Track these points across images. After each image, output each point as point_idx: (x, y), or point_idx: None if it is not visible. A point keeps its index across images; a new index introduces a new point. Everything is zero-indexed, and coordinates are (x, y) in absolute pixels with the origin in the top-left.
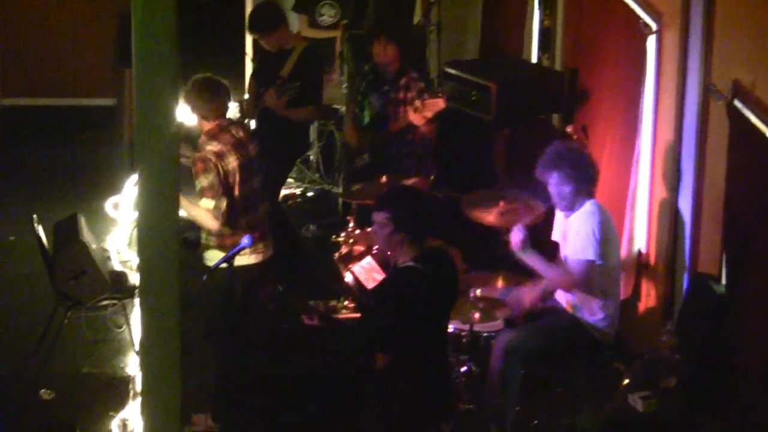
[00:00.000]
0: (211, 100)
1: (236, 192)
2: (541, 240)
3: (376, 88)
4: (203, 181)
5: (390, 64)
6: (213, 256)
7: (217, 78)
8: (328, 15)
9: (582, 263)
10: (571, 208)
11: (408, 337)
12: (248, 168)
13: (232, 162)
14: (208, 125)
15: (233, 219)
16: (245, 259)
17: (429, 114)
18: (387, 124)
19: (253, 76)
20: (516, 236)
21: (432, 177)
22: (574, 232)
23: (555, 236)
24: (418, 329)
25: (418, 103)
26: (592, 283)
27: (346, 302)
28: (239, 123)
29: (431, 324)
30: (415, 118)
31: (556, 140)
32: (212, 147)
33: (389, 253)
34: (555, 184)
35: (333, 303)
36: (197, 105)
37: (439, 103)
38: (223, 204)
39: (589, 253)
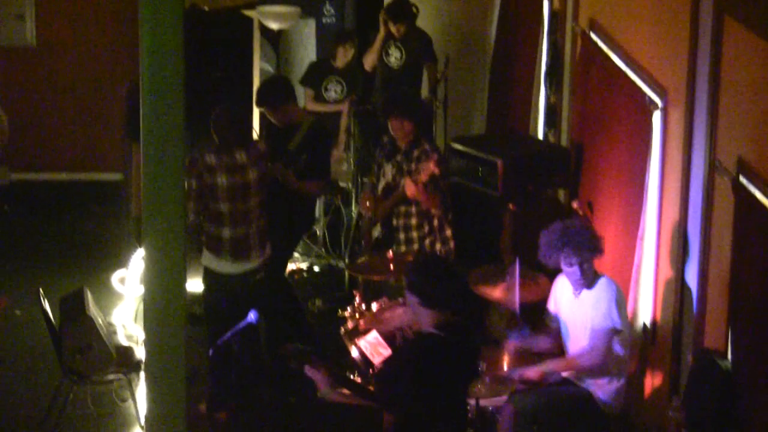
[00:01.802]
0: (216, 126)
1: (223, 207)
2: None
3: (390, 158)
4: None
5: (405, 137)
6: (205, 255)
7: (233, 110)
8: (333, 91)
9: (603, 331)
10: (586, 285)
11: (420, 403)
12: (241, 189)
13: (219, 179)
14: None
15: (218, 229)
16: (229, 267)
17: (424, 178)
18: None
19: None
20: (532, 374)
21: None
22: (590, 303)
23: (551, 306)
24: (430, 396)
25: (414, 174)
26: (610, 352)
27: (352, 377)
28: (248, 146)
29: (444, 393)
30: (409, 189)
31: (557, 221)
32: (209, 159)
33: (414, 320)
34: (563, 263)
35: None
36: (213, 126)
37: (430, 166)
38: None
39: (611, 321)
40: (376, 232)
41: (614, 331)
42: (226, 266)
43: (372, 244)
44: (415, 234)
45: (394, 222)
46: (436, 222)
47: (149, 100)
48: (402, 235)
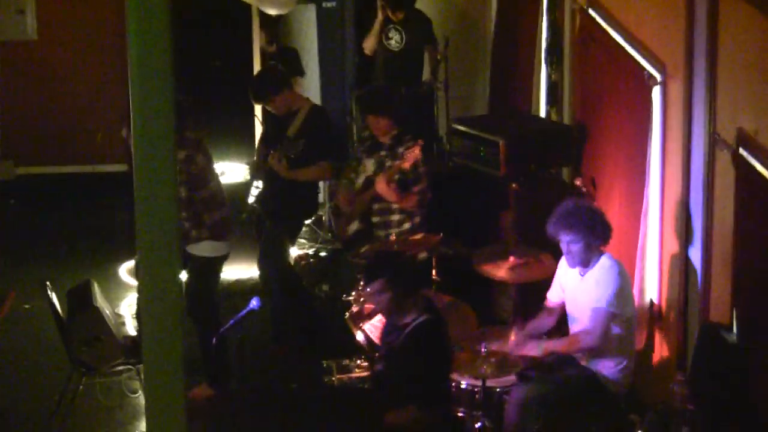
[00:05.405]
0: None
1: (202, 193)
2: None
3: (372, 153)
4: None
5: (385, 134)
6: (197, 246)
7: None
8: None
9: (601, 313)
10: (584, 265)
11: (438, 385)
12: (209, 169)
13: (200, 162)
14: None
15: (198, 215)
16: (202, 250)
17: (406, 165)
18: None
19: (261, 138)
20: (534, 352)
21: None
22: (593, 284)
23: (552, 295)
24: (443, 375)
25: (396, 163)
26: (609, 334)
27: (358, 361)
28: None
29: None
30: (380, 186)
31: (566, 198)
32: (181, 154)
33: (394, 315)
34: (566, 242)
35: (346, 362)
36: None
37: (415, 151)
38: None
39: (608, 304)
40: (353, 227)
41: (612, 315)
42: (218, 250)
43: (348, 239)
44: (394, 232)
45: (374, 219)
46: (417, 220)
47: (138, 98)
48: (382, 233)
